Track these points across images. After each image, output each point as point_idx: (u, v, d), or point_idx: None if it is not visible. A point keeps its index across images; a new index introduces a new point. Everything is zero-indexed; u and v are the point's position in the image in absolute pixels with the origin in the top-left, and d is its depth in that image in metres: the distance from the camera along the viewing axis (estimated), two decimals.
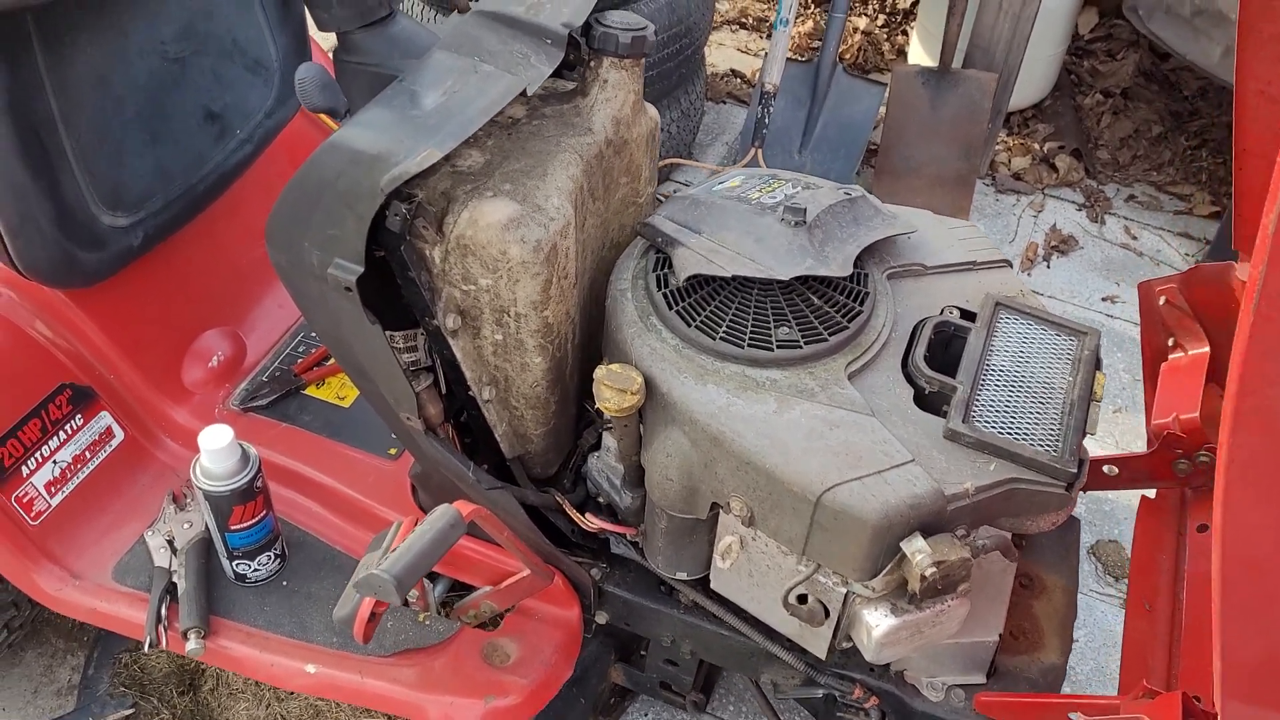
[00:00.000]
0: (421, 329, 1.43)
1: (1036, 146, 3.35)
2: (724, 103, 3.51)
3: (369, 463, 1.76)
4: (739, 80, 3.61)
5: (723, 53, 3.73)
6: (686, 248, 1.42)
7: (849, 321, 1.40)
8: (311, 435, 1.80)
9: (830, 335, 1.38)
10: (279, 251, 1.36)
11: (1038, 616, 1.67)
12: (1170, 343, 1.73)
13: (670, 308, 1.41)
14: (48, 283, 1.58)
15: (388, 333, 1.39)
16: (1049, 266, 3.01)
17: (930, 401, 1.38)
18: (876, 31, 3.81)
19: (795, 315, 1.40)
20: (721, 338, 1.37)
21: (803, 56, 3.60)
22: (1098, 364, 1.46)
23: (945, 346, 1.48)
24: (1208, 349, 1.67)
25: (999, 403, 1.37)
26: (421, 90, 1.27)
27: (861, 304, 1.43)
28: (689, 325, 1.38)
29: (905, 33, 3.84)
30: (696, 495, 1.40)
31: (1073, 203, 3.24)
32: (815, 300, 1.42)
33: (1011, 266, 1.59)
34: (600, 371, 1.35)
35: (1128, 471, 1.69)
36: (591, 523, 1.57)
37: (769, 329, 1.38)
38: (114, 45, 1.50)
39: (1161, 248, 3.10)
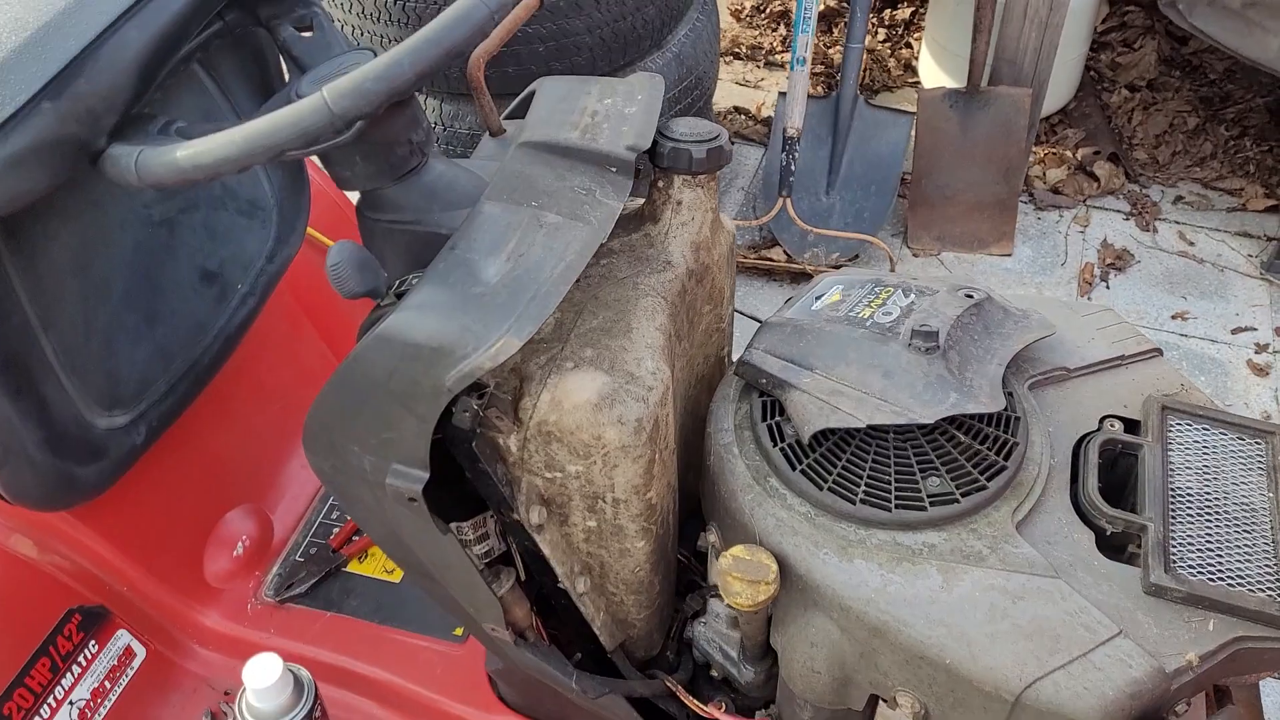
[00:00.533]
0: (492, 513, 1.20)
1: (1070, 154, 3.15)
2: (732, 144, 3.28)
3: (433, 650, 1.52)
4: (744, 117, 3.39)
5: (721, 88, 3.50)
6: (801, 391, 1.19)
7: (1006, 458, 1.17)
8: (363, 623, 1.56)
9: (989, 480, 1.15)
10: (320, 458, 1.13)
11: None
12: None
13: (793, 467, 1.18)
14: (43, 509, 1.34)
15: (454, 525, 1.16)
16: (1108, 287, 2.80)
17: (1113, 542, 1.16)
18: (879, 47, 3.60)
19: (944, 461, 1.17)
20: (862, 500, 1.14)
21: (815, 89, 3.38)
22: None
23: (1111, 466, 1.26)
24: None
25: (1198, 538, 1.15)
26: (480, 259, 1.04)
27: (1015, 433, 1.20)
28: (820, 487, 1.16)
29: (909, 45, 3.62)
30: (850, 686, 1.17)
31: (1119, 212, 3.03)
32: (962, 438, 1.19)
33: (1163, 354, 1.37)
34: (725, 561, 1.12)
35: None
36: (715, 714, 1.34)
37: (916, 482, 1.15)
38: (91, 223, 1.26)
39: (1222, 251, 2.89)
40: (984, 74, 2.80)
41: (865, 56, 3.52)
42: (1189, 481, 1.21)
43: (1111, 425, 1.27)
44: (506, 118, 1.34)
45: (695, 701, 1.35)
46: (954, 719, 1.10)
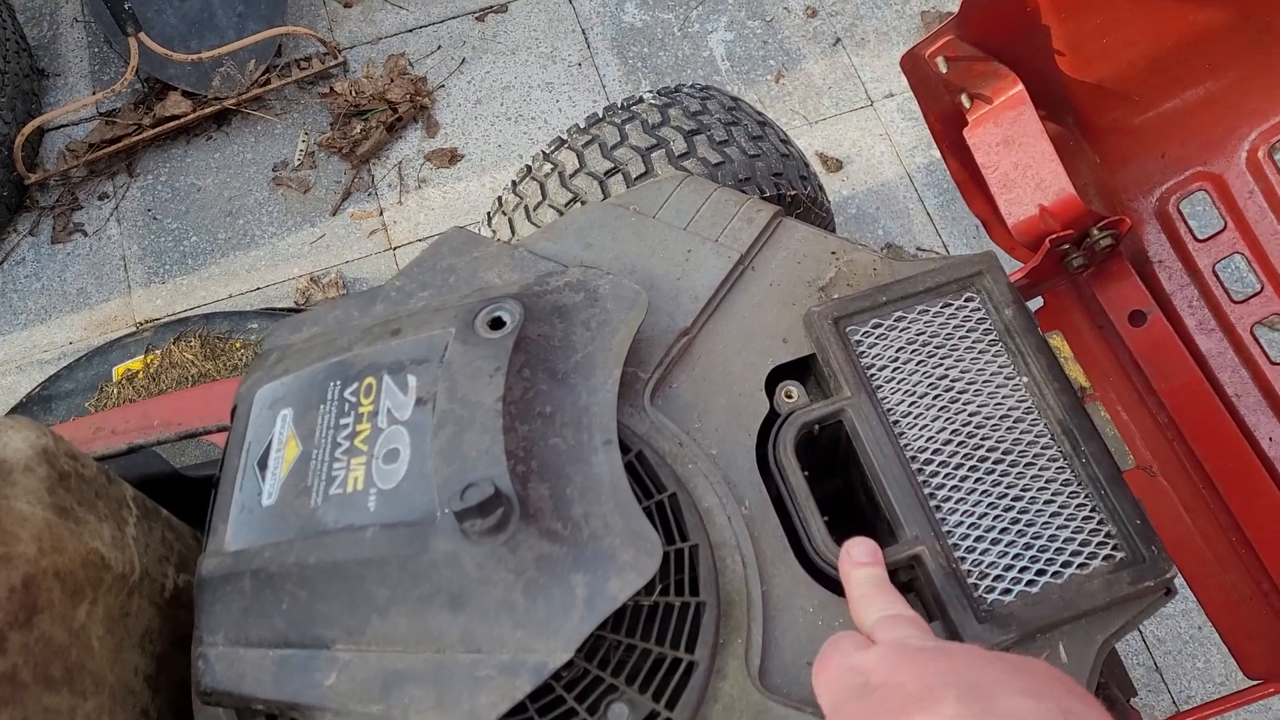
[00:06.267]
0: None
1: None
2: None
3: None
4: None
5: None
6: (335, 714, 0.63)
7: (696, 591, 0.70)
8: None
9: (691, 648, 0.68)
10: None
11: None
12: (965, 102, 1.13)
13: None
14: None
15: None
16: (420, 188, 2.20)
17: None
18: None
19: (620, 664, 0.68)
20: None
21: None
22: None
23: (810, 445, 0.81)
24: (1020, 86, 1.10)
25: (983, 524, 0.75)
26: None
27: (687, 535, 0.71)
28: None
29: None
30: None
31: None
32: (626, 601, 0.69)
33: (787, 213, 0.89)
34: None
35: None
36: None
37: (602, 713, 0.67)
38: None
39: None
40: None
41: None
42: (926, 429, 0.78)
43: (788, 395, 0.80)
44: None
45: None
46: None
